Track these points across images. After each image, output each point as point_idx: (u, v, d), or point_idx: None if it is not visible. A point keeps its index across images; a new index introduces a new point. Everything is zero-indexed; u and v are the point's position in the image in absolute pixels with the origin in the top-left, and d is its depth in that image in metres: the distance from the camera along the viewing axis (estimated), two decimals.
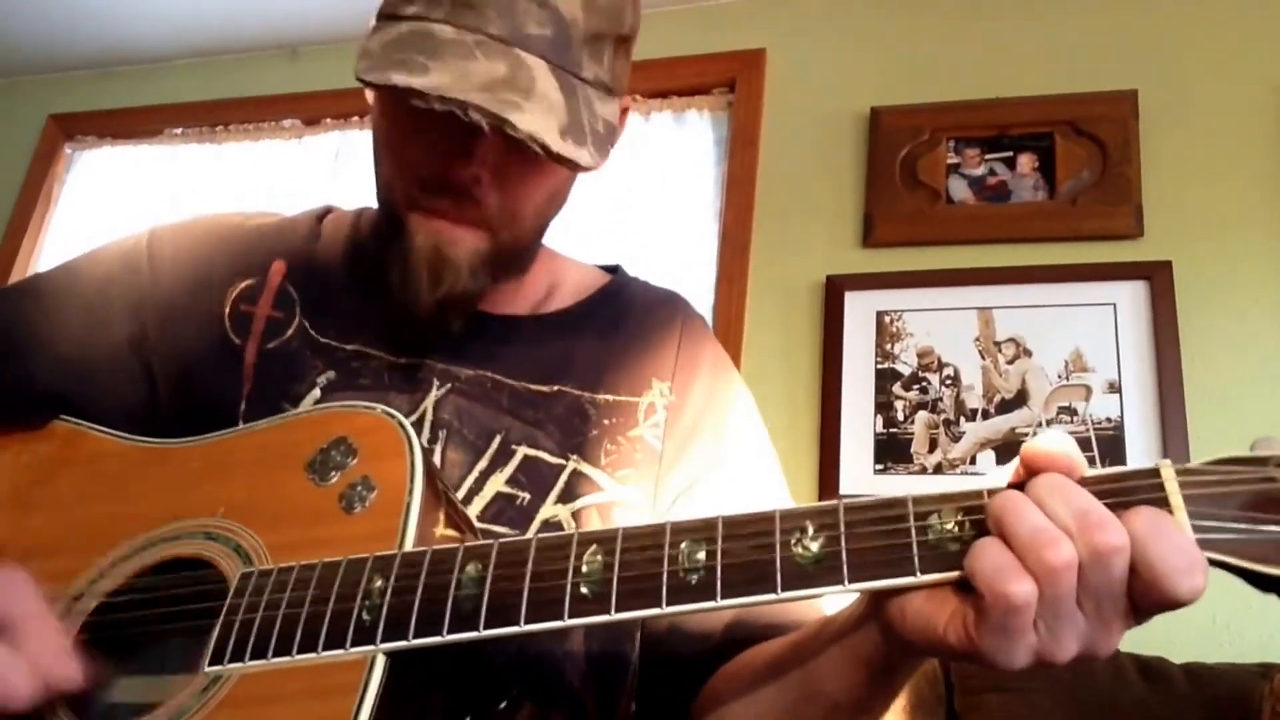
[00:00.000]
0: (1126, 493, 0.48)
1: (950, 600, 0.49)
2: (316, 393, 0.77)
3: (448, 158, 0.71)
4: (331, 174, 2.64)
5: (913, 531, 0.50)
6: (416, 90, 0.65)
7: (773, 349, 2.13)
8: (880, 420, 2.01)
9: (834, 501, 0.53)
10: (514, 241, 0.77)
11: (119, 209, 2.80)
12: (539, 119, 0.67)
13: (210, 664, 0.59)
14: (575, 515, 0.75)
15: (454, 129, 0.69)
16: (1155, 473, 0.49)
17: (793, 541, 0.52)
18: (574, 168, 0.70)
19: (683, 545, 0.54)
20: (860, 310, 2.09)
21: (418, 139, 0.73)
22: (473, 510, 0.73)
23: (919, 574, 0.49)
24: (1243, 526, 0.47)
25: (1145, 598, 0.46)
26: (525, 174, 0.74)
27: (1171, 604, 0.46)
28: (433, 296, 0.74)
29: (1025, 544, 0.47)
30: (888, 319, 2.08)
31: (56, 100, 3.00)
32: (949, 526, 0.50)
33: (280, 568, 0.61)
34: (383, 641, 0.56)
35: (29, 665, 0.58)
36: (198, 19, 2.79)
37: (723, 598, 0.52)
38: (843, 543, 0.51)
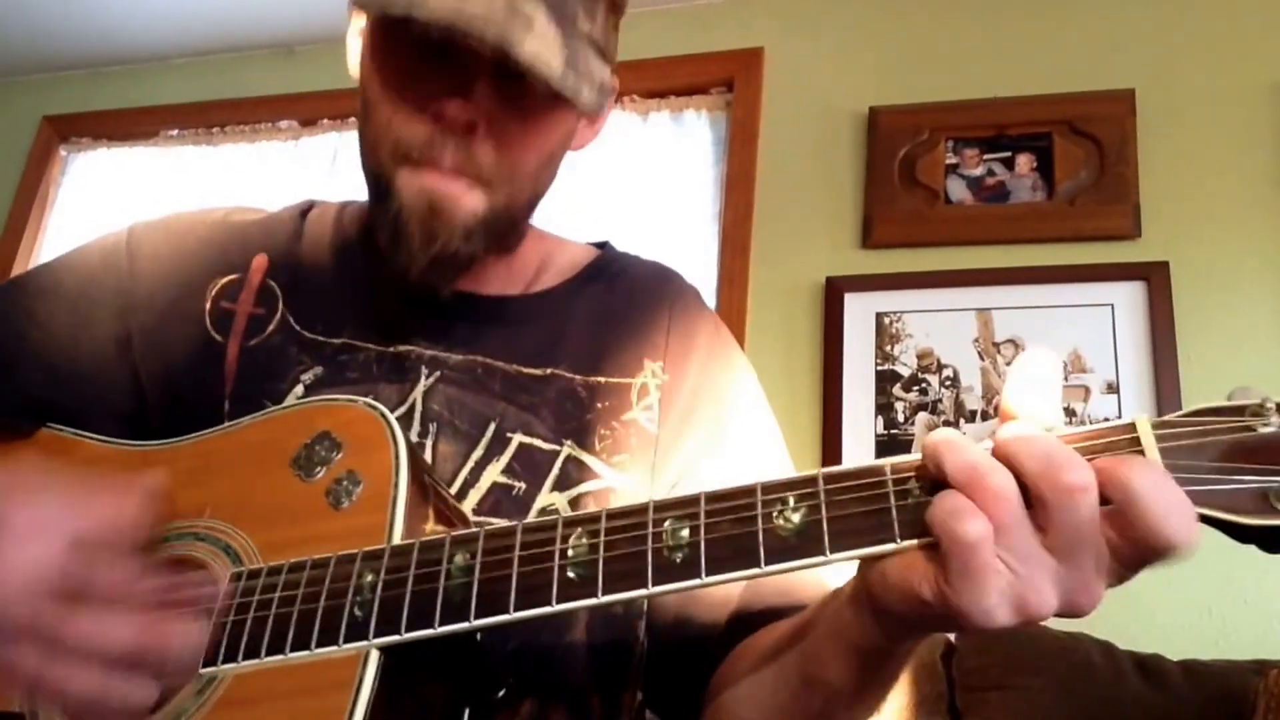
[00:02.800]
0: (1104, 450, 0.48)
1: (925, 558, 0.49)
2: (300, 389, 0.76)
3: (443, 97, 0.69)
4: (329, 175, 2.64)
5: (891, 497, 0.50)
6: (417, 19, 0.64)
7: (773, 351, 2.13)
8: (881, 421, 2.03)
9: (813, 471, 0.52)
10: (509, 204, 0.74)
11: (114, 211, 2.79)
12: (541, 49, 0.66)
13: (204, 665, 0.59)
14: (573, 504, 0.74)
15: (451, 71, 0.68)
16: (1131, 427, 0.48)
17: (775, 514, 0.51)
18: (573, 105, 0.69)
19: (667, 523, 0.53)
20: (860, 311, 2.10)
21: (412, 83, 0.71)
22: (469, 503, 0.73)
23: (899, 539, 0.49)
24: (1219, 477, 0.46)
25: (1129, 537, 0.46)
26: (523, 128, 0.72)
27: (1159, 541, 0.45)
28: (425, 255, 0.71)
29: (963, 478, 0.47)
30: (887, 320, 2.09)
31: (51, 102, 2.98)
32: (927, 491, 0.49)
33: (270, 567, 0.62)
34: (375, 636, 0.56)
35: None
36: (193, 19, 2.77)
37: (708, 574, 0.51)
38: (823, 511, 0.51)
